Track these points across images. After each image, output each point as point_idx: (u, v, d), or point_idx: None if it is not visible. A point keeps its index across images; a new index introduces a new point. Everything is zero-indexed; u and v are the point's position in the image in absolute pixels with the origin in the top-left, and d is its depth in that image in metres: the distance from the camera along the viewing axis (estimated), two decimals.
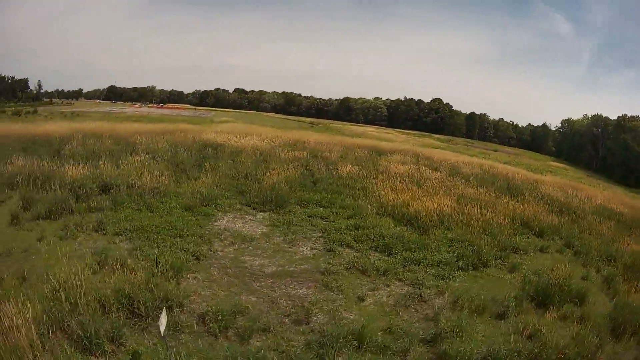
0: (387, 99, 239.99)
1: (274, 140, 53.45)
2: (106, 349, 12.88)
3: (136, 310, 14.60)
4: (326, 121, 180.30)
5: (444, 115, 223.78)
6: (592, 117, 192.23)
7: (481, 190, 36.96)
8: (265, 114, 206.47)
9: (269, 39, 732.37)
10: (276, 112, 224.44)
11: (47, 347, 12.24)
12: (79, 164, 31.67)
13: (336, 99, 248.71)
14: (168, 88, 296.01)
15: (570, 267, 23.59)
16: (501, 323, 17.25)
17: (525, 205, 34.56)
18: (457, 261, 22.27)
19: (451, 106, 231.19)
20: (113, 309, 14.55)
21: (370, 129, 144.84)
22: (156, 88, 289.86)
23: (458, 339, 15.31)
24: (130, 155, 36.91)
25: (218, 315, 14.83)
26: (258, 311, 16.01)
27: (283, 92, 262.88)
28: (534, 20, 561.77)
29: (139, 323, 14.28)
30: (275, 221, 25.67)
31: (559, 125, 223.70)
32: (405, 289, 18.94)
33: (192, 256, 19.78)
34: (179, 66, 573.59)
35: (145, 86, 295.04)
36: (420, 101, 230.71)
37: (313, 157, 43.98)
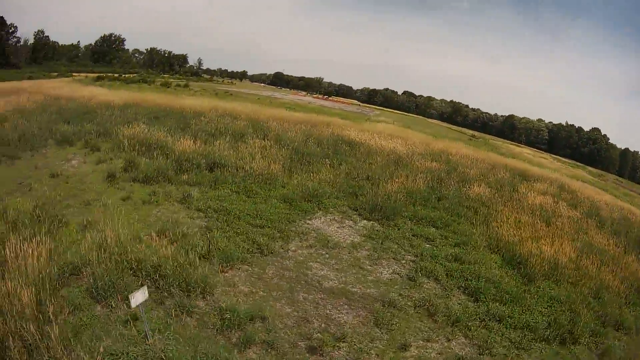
0: (550, 122, 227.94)
1: (417, 146, 49.88)
2: (112, 302, 13.56)
3: (157, 283, 14.93)
4: (488, 136, 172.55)
5: (600, 148, 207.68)
6: None
7: (611, 240, 30.41)
8: (430, 120, 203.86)
9: (438, 46, 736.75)
10: (442, 120, 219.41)
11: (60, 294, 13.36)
12: (195, 139, 32.60)
13: (502, 115, 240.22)
14: (337, 82, 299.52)
15: None
16: None
17: None
18: (546, 329, 17.68)
19: (608, 138, 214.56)
20: (139, 274, 15.13)
21: (527, 151, 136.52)
22: (324, 80, 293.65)
23: None
24: (257, 139, 36.56)
25: (232, 315, 14.04)
26: (280, 324, 14.59)
27: (451, 101, 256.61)
28: None
29: (155, 294, 14.42)
30: (374, 233, 23.35)
31: None
32: (466, 350, 15.38)
33: (258, 249, 19.05)
34: (348, 62, 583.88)
35: (313, 77, 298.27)
36: (580, 129, 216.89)
37: (449, 171, 39.85)
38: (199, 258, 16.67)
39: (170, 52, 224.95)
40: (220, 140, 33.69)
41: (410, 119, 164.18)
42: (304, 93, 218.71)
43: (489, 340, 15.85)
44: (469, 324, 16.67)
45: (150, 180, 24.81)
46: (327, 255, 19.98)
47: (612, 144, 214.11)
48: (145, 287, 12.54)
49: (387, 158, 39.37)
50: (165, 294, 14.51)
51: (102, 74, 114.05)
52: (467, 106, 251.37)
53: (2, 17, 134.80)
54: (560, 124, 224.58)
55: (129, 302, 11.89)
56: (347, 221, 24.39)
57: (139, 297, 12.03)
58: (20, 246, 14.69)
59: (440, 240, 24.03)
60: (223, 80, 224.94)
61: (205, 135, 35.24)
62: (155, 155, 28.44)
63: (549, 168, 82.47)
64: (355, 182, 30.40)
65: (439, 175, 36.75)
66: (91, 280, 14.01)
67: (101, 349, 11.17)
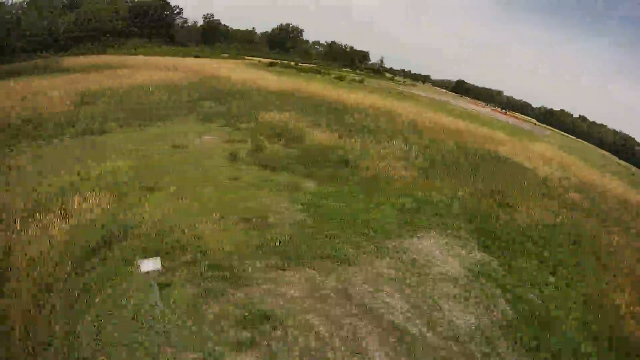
0: None
1: (570, 175, 43.77)
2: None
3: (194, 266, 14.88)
4: None
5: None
6: None
7: None
8: (600, 151, 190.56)
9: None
10: (611, 153, 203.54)
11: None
12: (332, 132, 33.04)
13: None
14: (517, 97, 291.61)
15: None
16: None
17: None
18: None
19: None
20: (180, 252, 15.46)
21: None
22: (504, 93, 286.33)
23: None
24: (399, 141, 34.96)
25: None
26: None
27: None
28: None
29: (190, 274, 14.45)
30: (484, 269, 19.43)
31: None
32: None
33: (342, 259, 17.27)
34: (535, 77, 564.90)
35: (493, 89, 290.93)
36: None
37: (598, 215, 32.82)
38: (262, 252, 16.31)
39: (352, 47, 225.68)
40: (356, 137, 32.75)
41: (578, 145, 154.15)
42: (482, 104, 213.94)
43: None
44: None
45: (270, 166, 24.49)
46: (408, 282, 16.91)
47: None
48: (159, 258, 13.20)
49: (535, 178, 35.69)
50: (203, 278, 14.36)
51: (276, 61, 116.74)
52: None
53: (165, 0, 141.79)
54: None
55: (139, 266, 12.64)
56: (459, 249, 20.45)
57: (149, 264, 12.75)
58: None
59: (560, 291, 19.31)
60: (404, 82, 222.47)
61: (348, 131, 34.28)
62: (285, 142, 28.43)
63: None
64: (485, 206, 26.42)
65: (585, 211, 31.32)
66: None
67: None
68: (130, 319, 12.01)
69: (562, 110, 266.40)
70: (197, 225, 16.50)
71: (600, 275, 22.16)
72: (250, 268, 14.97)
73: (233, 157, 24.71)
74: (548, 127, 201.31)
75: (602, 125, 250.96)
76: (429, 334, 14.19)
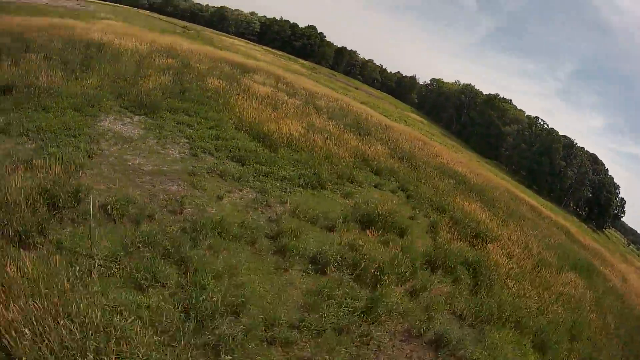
0: (263, 16, 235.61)
1: (152, 44, 53.10)
2: (36, 241, 14.74)
3: (57, 204, 16.47)
4: (199, 27, 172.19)
5: (314, 43, 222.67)
6: (465, 85, 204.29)
7: (331, 122, 40.53)
8: (141, 11, 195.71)
9: None
10: (152, 11, 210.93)
11: None
12: None
13: (213, 7, 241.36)
14: None
15: (399, 206, 28.37)
16: (330, 234, 21.92)
17: (369, 145, 38.53)
18: (299, 179, 26.50)
19: (324, 36, 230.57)
20: (37, 205, 15.95)
21: (239, 42, 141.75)
22: None
23: (294, 238, 19.78)
24: (26, 52, 34.91)
25: (116, 205, 17.50)
26: (143, 202, 18.79)
27: None
28: None
29: (58, 215, 16.31)
30: (150, 125, 27.62)
31: (428, 82, 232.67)
32: (255, 194, 23.18)
33: (87, 154, 21.32)
34: None
35: None
36: (294, 25, 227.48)
37: (184, 67, 44.74)
38: (64, 172, 18.82)
39: None
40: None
41: (123, 10, 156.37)
42: None
43: (265, 187, 24.14)
44: (247, 179, 24.44)
45: None
46: (131, 148, 23.96)
47: (328, 41, 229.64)
48: (92, 196, 16.46)
49: (132, 58, 42.45)
50: (65, 211, 16.59)
51: None
52: None
53: None
54: (274, 17, 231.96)
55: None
56: (125, 119, 27.71)
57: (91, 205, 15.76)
58: None
59: (198, 125, 29.84)
60: None
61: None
62: None
63: (263, 61, 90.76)
64: (117, 84, 33.19)
65: (179, 71, 42.08)
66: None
67: None
68: None
69: None
70: None
71: (208, 104, 34.88)
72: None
73: None
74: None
75: None
76: (168, 167, 23.68)
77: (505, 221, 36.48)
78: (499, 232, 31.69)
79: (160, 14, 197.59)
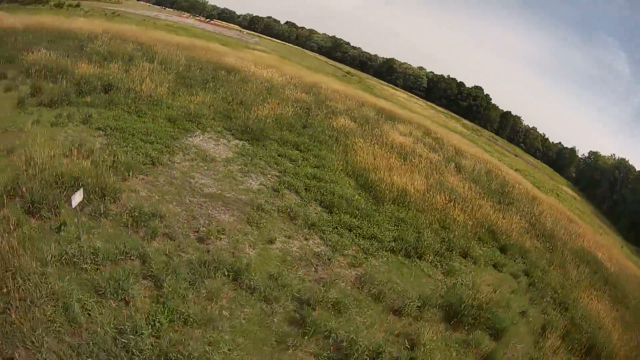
0: (431, 72, 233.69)
1: (291, 78, 53.22)
2: (44, 214, 15.28)
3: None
4: (364, 75, 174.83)
5: (480, 105, 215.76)
6: (619, 159, 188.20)
7: (467, 184, 35.59)
8: (309, 52, 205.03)
9: None
10: (321, 54, 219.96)
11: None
12: (92, 63, 33.78)
13: (382, 57, 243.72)
14: (221, 5, 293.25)
15: (513, 295, 22.19)
16: (390, 318, 16.41)
17: (503, 215, 31.95)
18: (392, 242, 21.85)
19: (490, 98, 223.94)
20: (62, 186, 16.73)
21: (401, 94, 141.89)
22: (208, 3, 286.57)
23: (332, 314, 15.26)
24: (145, 62, 38.17)
25: (138, 213, 16.72)
26: (174, 220, 17.52)
27: (333, 37, 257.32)
28: (596, 48, 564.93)
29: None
30: (244, 151, 26.88)
31: (586, 154, 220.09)
32: (321, 248, 19.35)
33: (150, 161, 21.59)
34: None
35: None
36: (461, 83, 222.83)
37: (318, 103, 43.78)
38: (106, 169, 18.93)
39: None
40: (113, 63, 35.36)
41: (288, 48, 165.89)
42: (187, 15, 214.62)
43: (340, 243, 20.04)
44: (324, 228, 20.75)
45: (55, 103, 26.11)
46: (205, 168, 23.19)
47: (493, 104, 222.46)
48: (82, 189, 14.79)
49: (261, 86, 42.57)
50: (85, 201, 16.07)
51: None
52: (348, 43, 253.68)
53: None
54: (441, 75, 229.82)
55: (70, 203, 14.00)
56: (221, 140, 27.67)
57: (77, 197, 14.13)
58: None
59: (302, 161, 27.94)
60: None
61: (100, 58, 36.39)
62: (58, 79, 29.46)
63: (420, 114, 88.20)
64: (230, 106, 33.45)
65: (308, 106, 40.65)
66: (27, 196, 15.54)
67: (47, 254, 13.39)
68: None
69: (269, 17, 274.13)
70: (52, 163, 18.47)
71: (326, 142, 32.77)
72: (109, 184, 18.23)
73: (21, 102, 25.56)
74: (255, 33, 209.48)
75: (312, 30, 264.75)
76: (234, 194, 21.51)
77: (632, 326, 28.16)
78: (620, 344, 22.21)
79: (329, 58, 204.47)
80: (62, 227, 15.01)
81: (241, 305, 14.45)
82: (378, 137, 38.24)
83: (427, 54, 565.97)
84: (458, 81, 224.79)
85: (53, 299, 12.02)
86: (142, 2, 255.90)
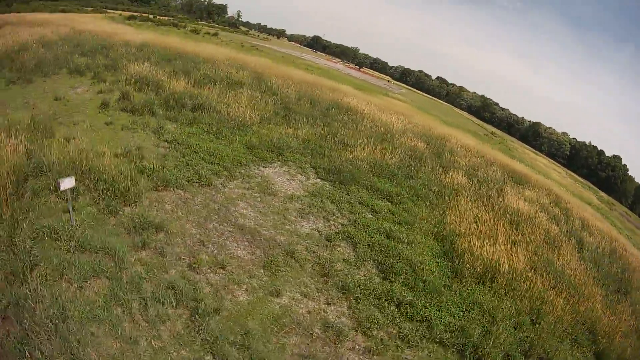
0: (573, 138, 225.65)
1: (416, 126, 49.40)
2: (58, 194, 16.25)
3: (97, 185, 17.58)
4: (509, 137, 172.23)
5: (617, 177, 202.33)
6: None
7: (584, 265, 28.07)
8: (457, 110, 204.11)
9: (479, 39, 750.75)
10: (470, 113, 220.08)
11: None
12: (189, 82, 35.06)
13: (529, 121, 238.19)
14: (373, 55, 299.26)
15: None
16: None
17: (614, 310, 23.88)
18: (447, 331, 16.15)
19: (627, 169, 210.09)
20: (87, 177, 17.84)
21: (541, 160, 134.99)
22: (360, 51, 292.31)
23: None
24: (250, 89, 38.02)
25: (141, 221, 16.30)
26: (179, 240, 16.29)
27: (482, 96, 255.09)
28: None
29: (93, 193, 17.32)
30: (320, 191, 23.95)
31: None
32: (341, 319, 15.10)
33: (197, 180, 20.65)
34: (388, 38, 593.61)
35: (349, 46, 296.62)
36: (601, 152, 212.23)
37: (437, 155, 39.47)
38: (144, 175, 19.24)
39: (210, 0, 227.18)
40: (212, 85, 35.57)
41: (433, 103, 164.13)
42: (337, 60, 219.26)
43: (372, 319, 15.42)
44: (360, 296, 16.32)
45: (137, 111, 27.07)
46: (259, 199, 20.94)
47: (630, 175, 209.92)
48: (73, 177, 14.98)
49: (375, 129, 39.37)
50: (103, 196, 16.82)
51: (135, 14, 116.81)
52: (496, 104, 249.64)
53: None
54: (583, 142, 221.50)
55: (59, 186, 14.50)
56: (300, 176, 25.18)
57: (67, 183, 14.54)
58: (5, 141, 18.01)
59: (385, 214, 23.71)
60: (259, 35, 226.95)
61: (205, 79, 36.84)
62: (148, 91, 30.82)
63: (555, 180, 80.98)
64: (327, 144, 30.85)
65: (422, 156, 36.34)
66: (49, 175, 16.99)
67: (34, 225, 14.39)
68: None
69: (421, 71, 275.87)
70: (87, 157, 19.00)
71: (425, 198, 28.12)
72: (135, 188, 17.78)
73: (105, 105, 27.08)
74: (404, 85, 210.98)
75: (462, 87, 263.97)
76: (273, 232, 18.55)
77: None
78: None
79: (476, 118, 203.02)
80: (70, 212, 15.21)
81: (168, 352, 11.80)
82: (493, 199, 32.76)
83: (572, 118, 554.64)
84: (598, 149, 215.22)
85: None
86: (292, 43, 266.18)
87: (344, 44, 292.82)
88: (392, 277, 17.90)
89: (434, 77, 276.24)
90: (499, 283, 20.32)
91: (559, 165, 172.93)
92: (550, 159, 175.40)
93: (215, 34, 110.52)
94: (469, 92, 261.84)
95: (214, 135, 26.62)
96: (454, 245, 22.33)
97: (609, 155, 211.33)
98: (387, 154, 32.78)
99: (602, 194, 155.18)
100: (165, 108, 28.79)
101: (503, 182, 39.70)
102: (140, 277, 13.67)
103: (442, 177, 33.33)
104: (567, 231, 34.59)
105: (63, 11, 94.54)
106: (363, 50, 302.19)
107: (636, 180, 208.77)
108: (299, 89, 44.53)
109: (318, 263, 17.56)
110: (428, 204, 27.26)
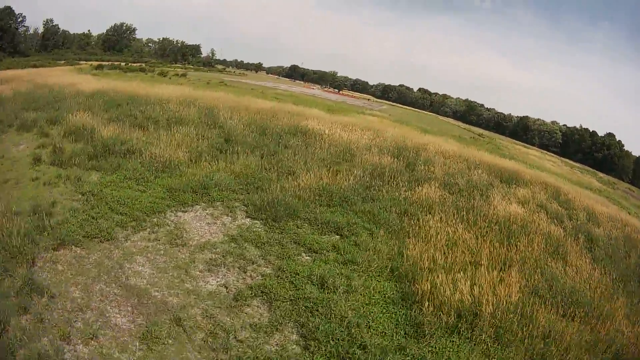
0: (564, 125, 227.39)
1: (387, 140, 43.19)
2: None
3: None
4: (498, 136, 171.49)
5: (614, 154, 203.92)
6: None
7: (597, 271, 22.53)
8: (442, 118, 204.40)
9: (460, 45, 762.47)
10: (456, 119, 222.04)
11: None
12: (123, 125, 33.01)
13: (516, 116, 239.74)
14: (353, 77, 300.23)
15: None
16: None
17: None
18: None
19: (623, 145, 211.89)
20: None
21: (534, 153, 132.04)
22: (338, 74, 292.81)
23: None
24: (189, 126, 34.46)
25: (23, 283, 14.62)
26: (59, 305, 14.13)
27: (466, 100, 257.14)
28: None
29: None
30: (245, 234, 19.50)
31: None
32: None
33: (97, 235, 18.18)
34: (368, 58, 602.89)
35: (327, 70, 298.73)
36: (594, 133, 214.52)
37: (409, 168, 33.75)
38: (44, 233, 17.35)
39: (183, 42, 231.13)
40: (152, 126, 33.72)
41: (417, 114, 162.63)
42: (316, 87, 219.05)
43: None
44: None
45: (64, 164, 25.32)
46: (162, 252, 17.55)
47: (627, 151, 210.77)
48: None
49: (334, 150, 34.33)
50: None
51: (105, 63, 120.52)
52: (482, 105, 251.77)
53: (10, 7, 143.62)
54: (574, 127, 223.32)
55: None
56: (225, 217, 20.96)
57: None
58: None
59: (327, 252, 18.94)
60: (234, 71, 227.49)
61: (147, 121, 34.71)
62: (83, 140, 29.24)
63: (551, 172, 77.78)
64: (270, 175, 26.38)
65: (388, 172, 30.77)
66: None
67: None
68: None
69: (402, 85, 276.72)
70: None
71: (386, 224, 22.73)
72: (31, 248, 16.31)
73: (37, 160, 26.02)
74: (385, 101, 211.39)
75: (445, 95, 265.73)
76: (165, 294, 15.07)
77: None
78: None
79: (463, 122, 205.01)
80: None
81: None
82: (477, 210, 26.94)
83: (559, 105, 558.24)
84: (590, 131, 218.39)
85: None
86: (270, 75, 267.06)
87: (323, 70, 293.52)
88: (316, 345, 13.15)
89: (415, 90, 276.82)
90: (481, 330, 14.70)
91: (552, 155, 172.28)
92: (543, 151, 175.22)
93: (184, 75, 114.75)
94: (452, 98, 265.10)
95: (134, 181, 23.53)
96: (414, 285, 16.73)
97: (602, 135, 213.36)
98: (343, 176, 27.97)
99: (602, 174, 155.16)
100: (93, 157, 26.53)
101: (490, 185, 34.31)
102: (18, 343, 12.16)
103: (410, 193, 27.82)
104: (573, 228, 29.18)
105: (35, 66, 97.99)
106: (343, 73, 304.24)
107: (633, 154, 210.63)
108: (251, 118, 40.70)
109: (212, 332, 13.46)
110: (387, 231, 21.95)
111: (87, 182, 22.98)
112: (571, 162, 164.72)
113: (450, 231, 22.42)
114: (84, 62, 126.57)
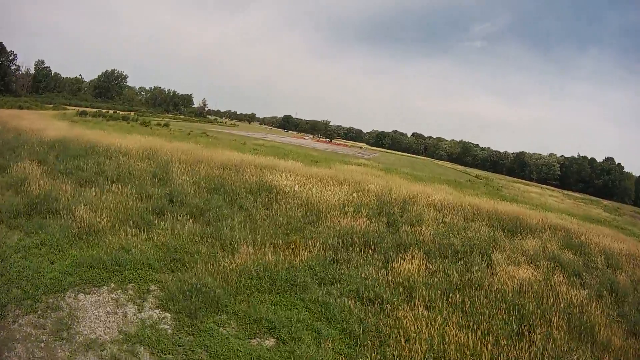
0: (561, 156, 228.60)
1: (367, 194, 37.60)
2: None
3: None
4: (496, 176, 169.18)
5: (615, 179, 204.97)
6: None
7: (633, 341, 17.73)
8: (438, 162, 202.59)
9: (453, 87, 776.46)
10: (452, 161, 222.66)
11: None
12: (64, 179, 29.54)
13: (512, 153, 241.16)
14: (346, 125, 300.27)
15: None
16: None
17: None
18: None
19: (622, 167, 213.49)
20: None
21: (533, 190, 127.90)
22: (331, 123, 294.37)
23: None
24: (130, 183, 29.92)
25: None
26: None
27: (461, 141, 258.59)
28: None
29: None
30: (146, 332, 14.38)
31: None
32: None
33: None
34: (360, 105, 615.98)
35: (320, 120, 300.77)
36: (592, 160, 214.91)
37: (391, 231, 27.34)
38: None
39: (174, 92, 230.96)
40: (96, 180, 29.98)
41: (408, 160, 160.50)
42: (308, 136, 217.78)
43: None
44: None
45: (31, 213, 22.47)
46: (42, 345, 13.47)
47: (627, 172, 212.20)
48: None
49: (295, 212, 28.43)
50: None
51: (87, 109, 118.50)
52: (477, 145, 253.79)
53: (1, 44, 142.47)
54: (572, 157, 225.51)
55: None
56: (130, 306, 15.69)
57: None
58: None
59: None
60: (226, 122, 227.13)
61: (93, 176, 30.96)
62: (17, 194, 25.40)
63: (557, 210, 70.46)
64: (204, 248, 20.61)
65: (361, 240, 24.37)
66: None
67: None
68: None
69: (395, 131, 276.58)
70: None
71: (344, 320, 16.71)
72: None
73: None
74: (379, 149, 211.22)
75: (439, 138, 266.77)
76: None
77: None
78: None
79: (460, 165, 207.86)
80: None
81: None
82: (474, 285, 20.57)
83: (555, 137, 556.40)
84: (589, 158, 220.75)
85: None
86: (263, 126, 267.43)
87: (315, 119, 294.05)
88: None
89: (409, 135, 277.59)
90: None
91: (553, 189, 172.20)
92: (542, 186, 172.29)
93: (166, 125, 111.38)
94: (446, 141, 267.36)
95: (48, 248, 18.92)
96: None
97: (601, 161, 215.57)
98: (300, 248, 21.95)
99: (606, 202, 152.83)
100: (22, 214, 22.31)
101: (492, 241, 28.26)
102: None
103: (386, 270, 21.26)
104: (598, 283, 23.70)
105: (20, 107, 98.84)
106: (336, 121, 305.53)
107: (634, 174, 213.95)
108: (209, 174, 35.64)
109: None
110: (342, 333, 15.70)
111: (3, 244, 19.26)
112: (573, 193, 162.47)
113: (437, 330, 16.10)
114: (72, 107, 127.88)
